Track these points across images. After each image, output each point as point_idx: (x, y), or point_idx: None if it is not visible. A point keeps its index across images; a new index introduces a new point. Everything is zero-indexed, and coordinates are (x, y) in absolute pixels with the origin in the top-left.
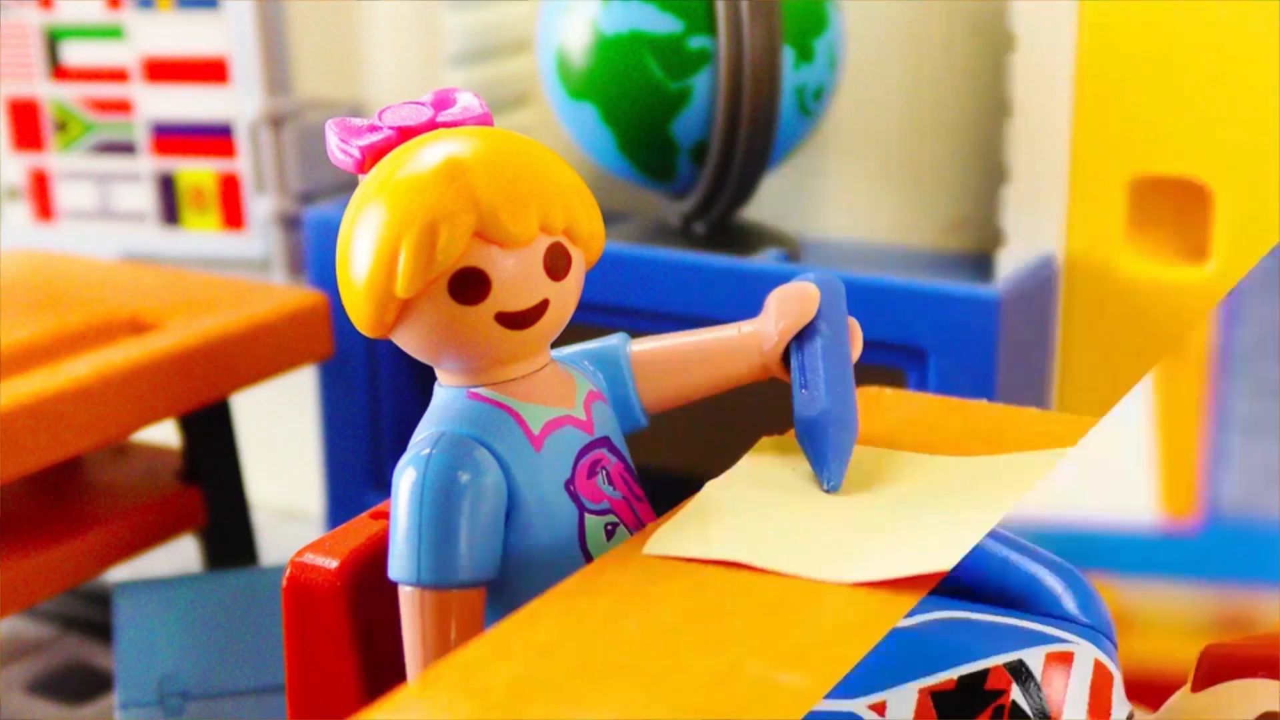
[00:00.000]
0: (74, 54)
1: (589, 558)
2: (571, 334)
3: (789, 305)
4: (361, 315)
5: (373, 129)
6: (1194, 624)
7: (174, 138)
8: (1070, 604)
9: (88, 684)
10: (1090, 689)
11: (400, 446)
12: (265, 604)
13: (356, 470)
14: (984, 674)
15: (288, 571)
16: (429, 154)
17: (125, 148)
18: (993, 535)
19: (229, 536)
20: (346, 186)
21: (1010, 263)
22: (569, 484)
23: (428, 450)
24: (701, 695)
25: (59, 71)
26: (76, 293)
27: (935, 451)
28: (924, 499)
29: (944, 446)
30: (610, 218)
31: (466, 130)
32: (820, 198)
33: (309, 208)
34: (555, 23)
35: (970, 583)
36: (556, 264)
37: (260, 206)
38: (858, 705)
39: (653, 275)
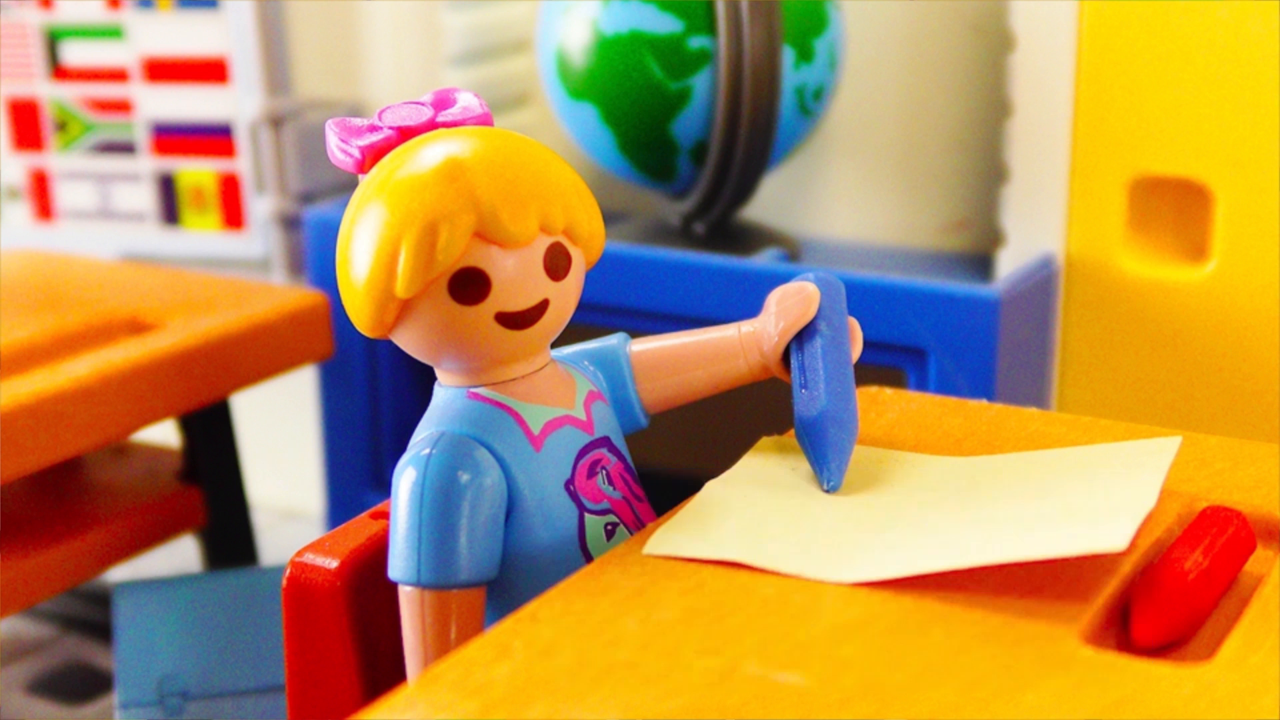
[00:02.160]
0: (74, 54)
1: (589, 558)
2: (571, 334)
3: (789, 305)
4: (361, 315)
5: (373, 129)
6: None
7: (174, 138)
8: None
9: (88, 684)
10: None
11: (400, 446)
12: (265, 604)
13: (356, 470)
14: None
15: (288, 571)
16: (429, 154)
17: (125, 148)
18: None
19: (229, 536)
20: (346, 186)
21: (1010, 263)
22: (569, 484)
23: (428, 450)
24: (700, 694)
25: (59, 71)
26: (76, 293)
27: (935, 451)
28: (923, 499)
29: (944, 446)
30: (610, 218)
31: (466, 130)
32: (820, 198)
33: (309, 208)
34: (555, 23)
35: None
36: (556, 264)
37: (260, 206)
38: None
39: (653, 275)
